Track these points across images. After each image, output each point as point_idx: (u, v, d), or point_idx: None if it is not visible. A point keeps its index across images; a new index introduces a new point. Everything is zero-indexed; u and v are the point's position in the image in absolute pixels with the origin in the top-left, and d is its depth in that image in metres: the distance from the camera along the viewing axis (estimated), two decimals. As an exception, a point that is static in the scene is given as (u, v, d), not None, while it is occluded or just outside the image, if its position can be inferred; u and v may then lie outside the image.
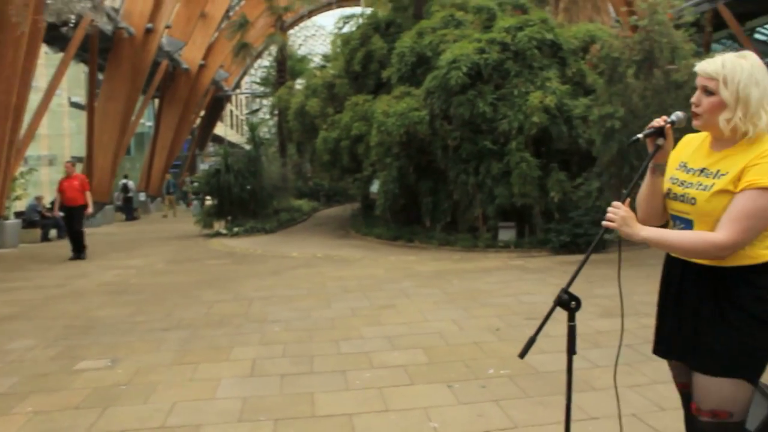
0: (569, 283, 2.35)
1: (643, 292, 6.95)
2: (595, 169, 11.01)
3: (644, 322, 6.13)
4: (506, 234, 12.58)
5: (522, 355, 2.37)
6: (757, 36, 24.05)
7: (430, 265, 10.76)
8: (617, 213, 2.25)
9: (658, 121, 2.36)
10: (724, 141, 2.28)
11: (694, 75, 8.54)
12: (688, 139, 2.49)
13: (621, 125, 10.03)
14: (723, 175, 2.20)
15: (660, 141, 2.35)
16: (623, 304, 2.55)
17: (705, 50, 14.95)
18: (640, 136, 2.38)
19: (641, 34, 10.17)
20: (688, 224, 2.31)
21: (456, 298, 7.93)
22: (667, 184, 2.40)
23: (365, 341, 6.04)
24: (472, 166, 12.73)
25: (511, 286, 8.62)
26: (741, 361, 2.22)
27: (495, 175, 12.35)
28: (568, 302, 2.34)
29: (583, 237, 11.27)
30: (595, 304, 6.97)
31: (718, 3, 20.48)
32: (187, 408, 4.41)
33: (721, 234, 2.14)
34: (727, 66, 2.19)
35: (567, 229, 11.48)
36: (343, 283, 9.31)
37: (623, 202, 2.29)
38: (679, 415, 3.90)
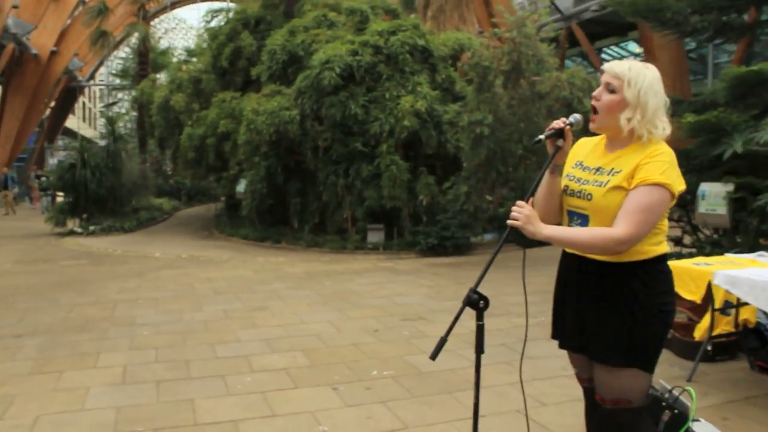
0: (477, 283, 2.39)
1: (512, 293, 7.25)
2: (463, 173, 11.32)
3: (516, 322, 6.39)
4: (375, 236, 12.68)
5: (433, 356, 2.39)
6: (604, 56, 25.90)
7: (300, 267, 10.64)
8: (521, 212, 2.31)
9: (558, 123, 2.46)
10: (618, 142, 2.41)
11: (556, 87, 8.98)
12: (583, 141, 2.61)
13: (489, 132, 10.37)
14: (617, 172, 2.33)
15: (560, 142, 2.45)
16: (527, 303, 2.61)
17: (560, 65, 15.83)
18: (542, 137, 2.48)
19: (510, 46, 10.58)
20: (584, 219, 2.42)
21: (330, 300, 7.87)
22: (564, 182, 2.49)
23: (242, 344, 5.84)
24: (342, 167, 12.72)
25: (384, 287, 8.66)
26: (635, 351, 2.35)
27: (365, 178, 12.40)
28: (477, 302, 2.38)
29: (450, 240, 11.56)
30: (469, 304, 7.12)
31: (572, 22, 21.91)
32: (53, 421, 4.05)
33: (619, 228, 2.25)
34: (633, 70, 2.34)
35: (435, 231, 11.73)
36: (212, 284, 9.00)
37: (527, 201, 2.35)
38: (560, 409, 4.11)
